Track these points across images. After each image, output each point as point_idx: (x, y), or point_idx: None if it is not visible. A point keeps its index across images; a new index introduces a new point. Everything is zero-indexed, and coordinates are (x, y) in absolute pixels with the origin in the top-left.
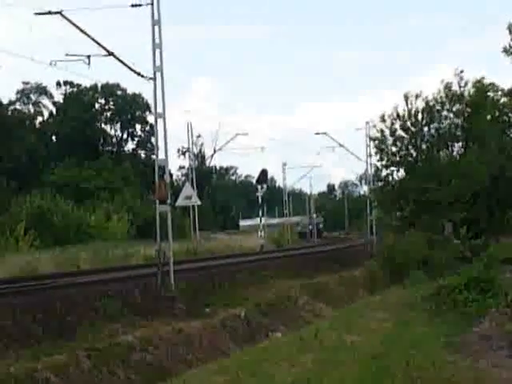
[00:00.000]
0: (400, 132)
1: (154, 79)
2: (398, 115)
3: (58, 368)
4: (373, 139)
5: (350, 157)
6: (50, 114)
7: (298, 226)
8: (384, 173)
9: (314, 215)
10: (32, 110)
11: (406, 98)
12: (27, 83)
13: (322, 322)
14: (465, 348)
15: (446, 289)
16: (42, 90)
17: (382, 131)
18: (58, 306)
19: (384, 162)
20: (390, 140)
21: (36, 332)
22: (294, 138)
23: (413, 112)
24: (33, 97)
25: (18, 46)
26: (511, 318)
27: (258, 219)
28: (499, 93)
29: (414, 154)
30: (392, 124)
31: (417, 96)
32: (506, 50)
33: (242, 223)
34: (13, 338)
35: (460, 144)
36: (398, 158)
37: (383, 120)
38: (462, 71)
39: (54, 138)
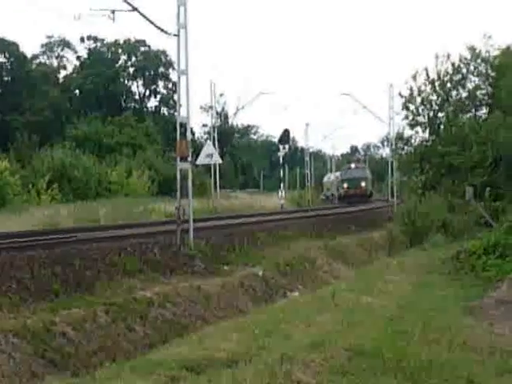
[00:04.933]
0: (428, 92)
1: (178, 36)
2: (427, 75)
3: (75, 322)
4: (402, 96)
5: (373, 119)
6: (74, 68)
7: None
8: (408, 133)
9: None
10: (56, 64)
11: (437, 57)
12: (51, 37)
13: (340, 283)
14: (482, 312)
15: (466, 253)
16: (66, 44)
17: (411, 89)
18: (77, 261)
19: (409, 121)
20: (418, 99)
21: (54, 286)
22: (317, 98)
23: (442, 74)
24: (57, 50)
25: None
26: None
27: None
28: None
29: (441, 117)
30: (422, 84)
31: (448, 56)
32: None
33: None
34: (31, 291)
35: (484, 109)
36: (424, 119)
37: (414, 78)
38: (489, 36)
39: (77, 92)
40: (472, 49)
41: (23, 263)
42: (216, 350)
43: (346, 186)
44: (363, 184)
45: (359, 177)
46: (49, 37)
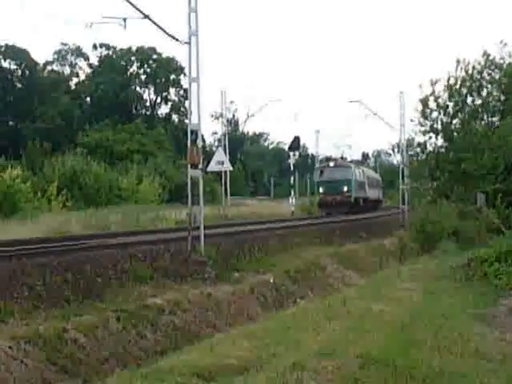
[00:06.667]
0: (445, 99)
1: (189, 43)
2: (448, 81)
3: (87, 329)
4: (421, 100)
5: (384, 126)
6: (86, 75)
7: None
8: (421, 139)
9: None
10: (68, 71)
11: (458, 62)
12: (65, 44)
13: (350, 290)
14: (493, 320)
15: (477, 260)
16: (78, 52)
17: (427, 95)
18: (88, 268)
19: (424, 128)
20: (433, 105)
21: (65, 292)
22: (328, 105)
23: (459, 80)
24: (69, 58)
25: (54, 7)
26: None
27: None
28: None
29: (455, 123)
30: (441, 90)
31: (468, 63)
32: None
33: None
34: (42, 297)
35: (497, 116)
36: (439, 126)
37: (432, 84)
38: (505, 43)
39: (88, 99)
40: (485, 54)
41: (35, 270)
42: (227, 358)
43: (321, 190)
44: (345, 188)
45: (340, 179)
46: (63, 44)
